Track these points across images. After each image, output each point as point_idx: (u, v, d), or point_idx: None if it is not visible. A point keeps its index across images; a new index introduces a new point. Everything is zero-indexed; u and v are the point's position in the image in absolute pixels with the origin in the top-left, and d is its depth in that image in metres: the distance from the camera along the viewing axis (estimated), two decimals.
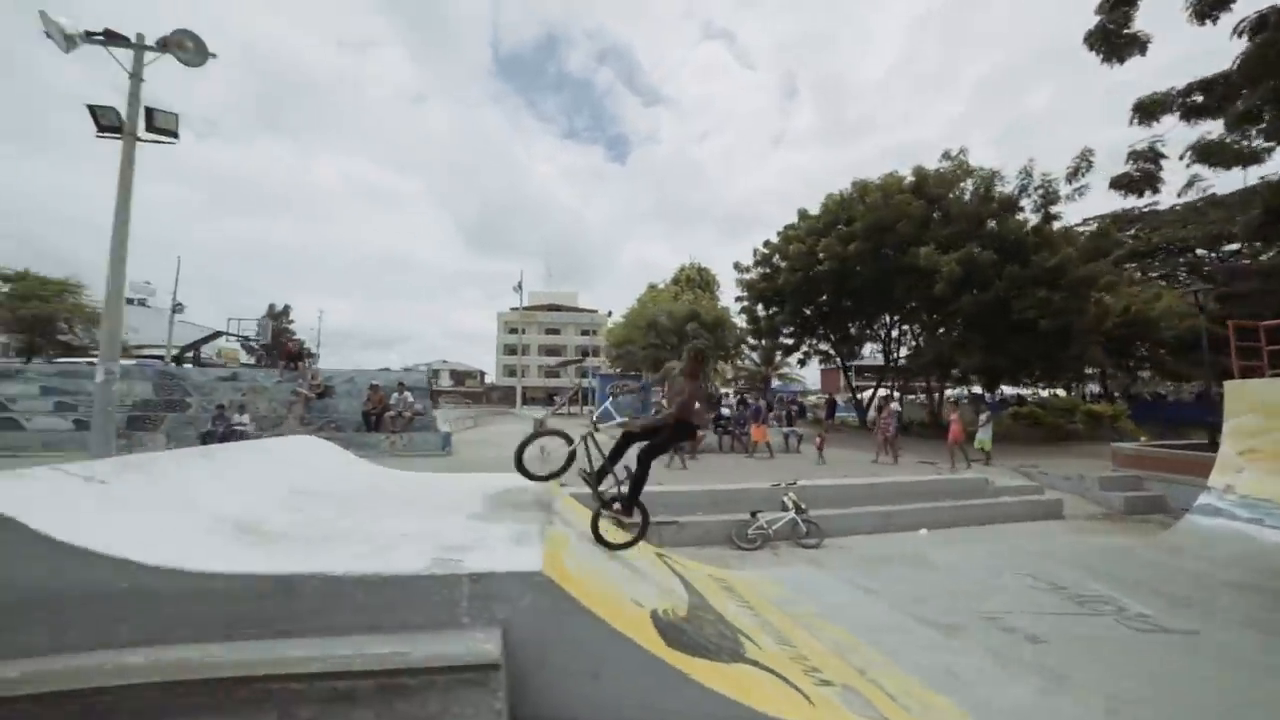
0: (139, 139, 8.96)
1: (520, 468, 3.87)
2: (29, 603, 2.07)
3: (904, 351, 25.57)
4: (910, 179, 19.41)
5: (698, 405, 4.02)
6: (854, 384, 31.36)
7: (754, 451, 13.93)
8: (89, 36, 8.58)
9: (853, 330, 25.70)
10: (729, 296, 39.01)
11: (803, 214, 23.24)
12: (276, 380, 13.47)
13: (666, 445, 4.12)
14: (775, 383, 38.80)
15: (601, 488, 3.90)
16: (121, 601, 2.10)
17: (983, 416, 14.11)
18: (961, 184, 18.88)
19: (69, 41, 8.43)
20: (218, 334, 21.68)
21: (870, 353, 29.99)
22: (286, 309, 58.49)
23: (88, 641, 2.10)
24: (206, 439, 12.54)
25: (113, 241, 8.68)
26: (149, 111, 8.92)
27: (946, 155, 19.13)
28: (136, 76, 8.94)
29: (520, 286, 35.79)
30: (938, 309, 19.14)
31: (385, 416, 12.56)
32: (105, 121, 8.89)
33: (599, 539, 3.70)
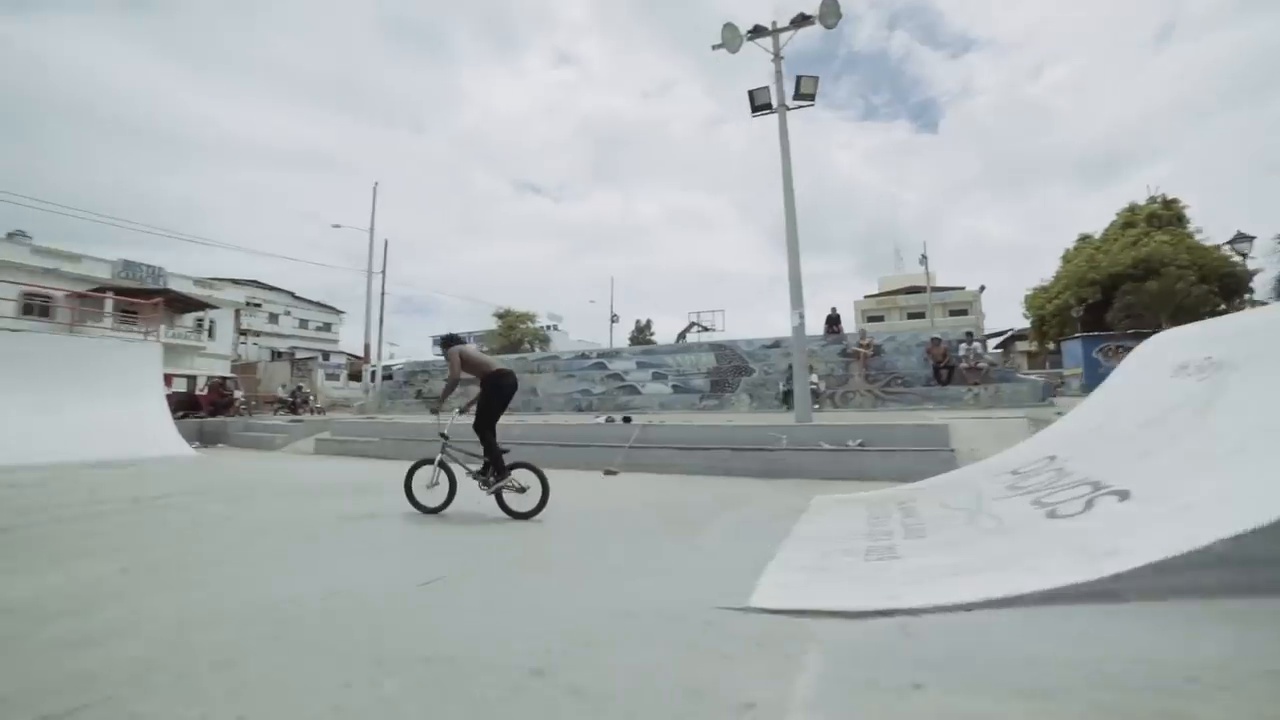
0: (788, 108, 9.81)
1: None
2: None
3: None
4: None
5: None
6: None
7: None
8: (751, 35, 9.83)
9: None
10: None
11: None
12: (822, 344, 14.15)
13: None
14: None
15: None
16: None
17: None
18: None
19: (736, 44, 9.82)
20: (692, 325, 24.86)
21: None
22: (649, 322, 69.55)
23: None
24: (787, 398, 13.70)
25: (785, 200, 9.59)
26: (797, 80, 9.68)
27: None
28: (779, 58, 9.83)
29: (898, 256, 32.71)
30: None
31: (959, 369, 11.94)
32: (759, 101, 10.01)
33: None
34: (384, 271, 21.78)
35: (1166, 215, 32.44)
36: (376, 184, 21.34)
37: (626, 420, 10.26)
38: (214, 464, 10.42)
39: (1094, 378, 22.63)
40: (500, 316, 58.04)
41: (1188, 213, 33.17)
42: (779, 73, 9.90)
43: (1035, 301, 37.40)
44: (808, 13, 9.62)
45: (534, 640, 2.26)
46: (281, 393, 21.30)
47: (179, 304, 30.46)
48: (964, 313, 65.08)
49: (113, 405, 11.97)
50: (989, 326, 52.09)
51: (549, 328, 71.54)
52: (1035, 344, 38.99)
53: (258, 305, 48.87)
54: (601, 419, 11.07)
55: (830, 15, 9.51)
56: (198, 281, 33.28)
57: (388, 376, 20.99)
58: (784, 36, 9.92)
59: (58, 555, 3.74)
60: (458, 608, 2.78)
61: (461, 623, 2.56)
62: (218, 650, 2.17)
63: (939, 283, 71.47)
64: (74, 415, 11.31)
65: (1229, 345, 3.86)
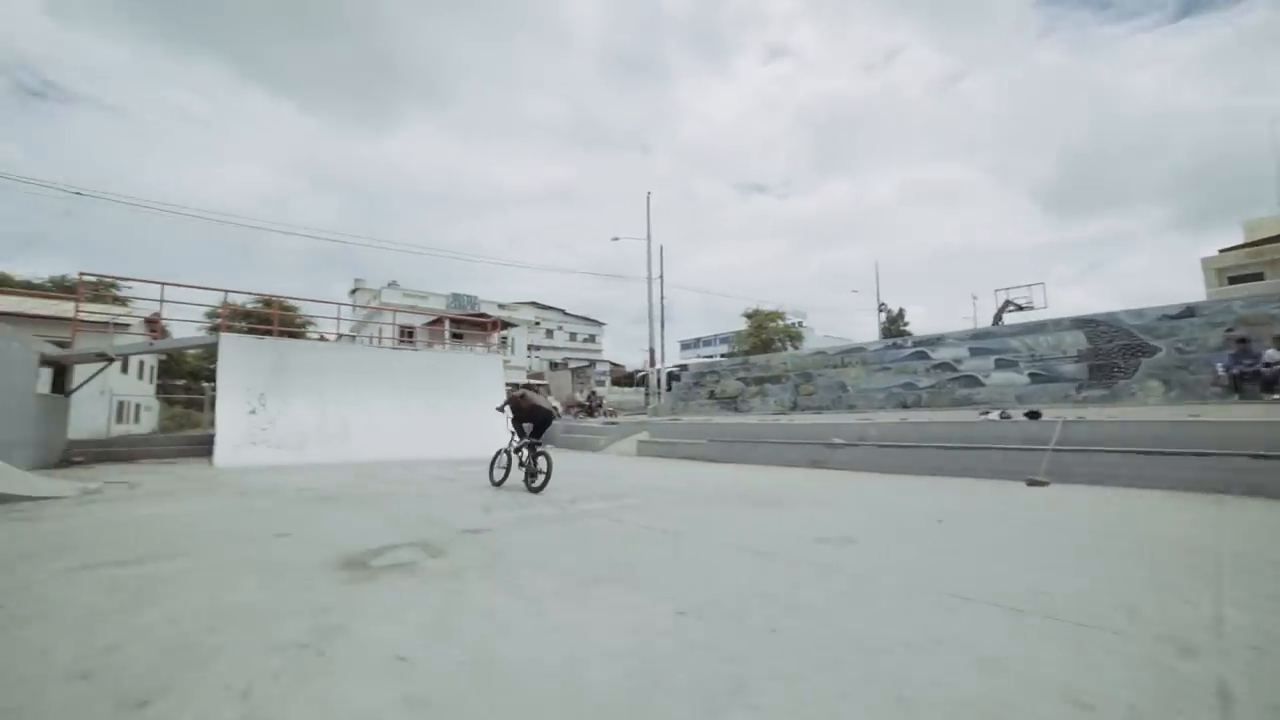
0: None
1: None
2: None
3: None
4: None
5: None
6: None
7: None
8: None
9: None
10: None
11: None
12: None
13: None
14: None
15: None
16: None
17: None
18: None
19: None
20: (1007, 304, 20.55)
21: None
22: (901, 312, 62.16)
23: None
24: (1237, 383, 9.63)
25: None
26: None
27: None
28: None
29: None
30: None
31: None
32: None
33: None
34: (661, 276, 22.27)
35: None
36: (649, 194, 21.88)
37: (1032, 416, 7.87)
38: (572, 465, 10.90)
39: None
40: (749, 316, 57.49)
41: None
42: None
43: None
44: None
45: None
46: (579, 398, 23.21)
47: (491, 325, 36.09)
48: None
49: (470, 409, 13.69)
50: None
51: (796, 324, 69.07)
52: None
53: (538, 323, 56.30)
54: (991, 415, 8.81)
55: None
56: (500, 305, 39.07)
57: (673, 379, 21.36)
58: None
59: None
60: None
61: None
62: None
63: None
64: (443, 416, 13.13)
65: None
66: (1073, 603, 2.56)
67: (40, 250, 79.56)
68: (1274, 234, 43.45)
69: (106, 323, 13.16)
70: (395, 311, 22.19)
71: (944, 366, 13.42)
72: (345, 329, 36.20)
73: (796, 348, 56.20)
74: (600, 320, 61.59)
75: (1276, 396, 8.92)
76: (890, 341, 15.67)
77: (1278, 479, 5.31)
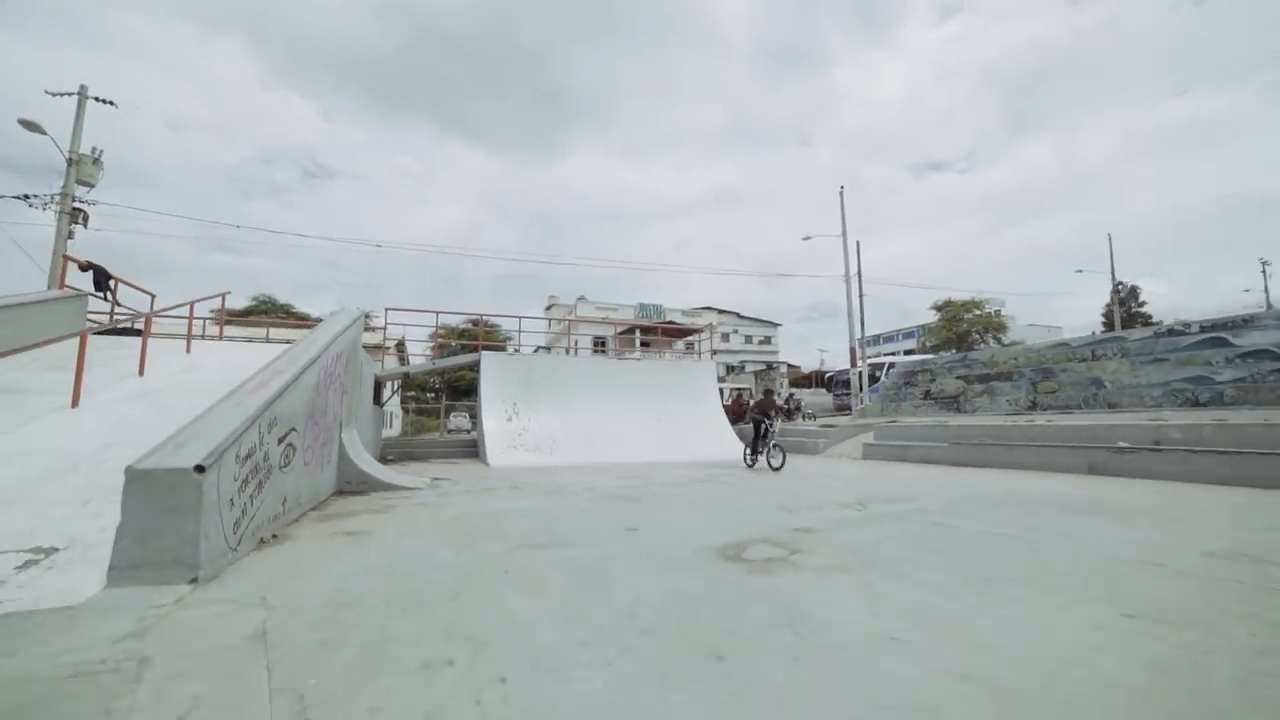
0: None
1: None
2: None
3: None
4: None
5: None
6: None
7: None
8: None
9: None
10: None
11: None
12: None
13: None
14: None
15: None
16: None
17: None
18: None
19: None
20: None
21: None
22: (1135, 288, 52.32)
23: None
24: None
25: None
26: None
27: None
28: None
29: None
30: None
31: None
32: None
33: None
34: (859, 273, 21.22)
35: None
36: (842, 188, 20.99)
37: None
38: (807, 470, 10.92)
39: None
40: (939, 308, 52.29)
41: None
42: None
43: None
44: None
45: None
46: (778, 400, 23.06)
47: (678, 332, 37.32)
48: None
49: (691, 414, 14.33)
50: None
51: (995, 312, 61.21)
52: None
53: (715, 327, 57.05)
54: None
55: None
56: (685, 312, 40.23)
57: (873, 379, 20.26)
58: None
59: None
60: None
61: None
62: None
63: None
64: (669, 422, 13.89)
65: None
66: None
67: (313, 291, 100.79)
68: None
69: (384, 346, 16.14)
70: (617, 324, 23.94)
71: (1263, 354, 10.86)
72: (541, 340, 40.19)
73: (1000, 339, 49.75)
74: (775, 322, 60.42)
75: None
76: (1164, 327, 13.10)
77: None
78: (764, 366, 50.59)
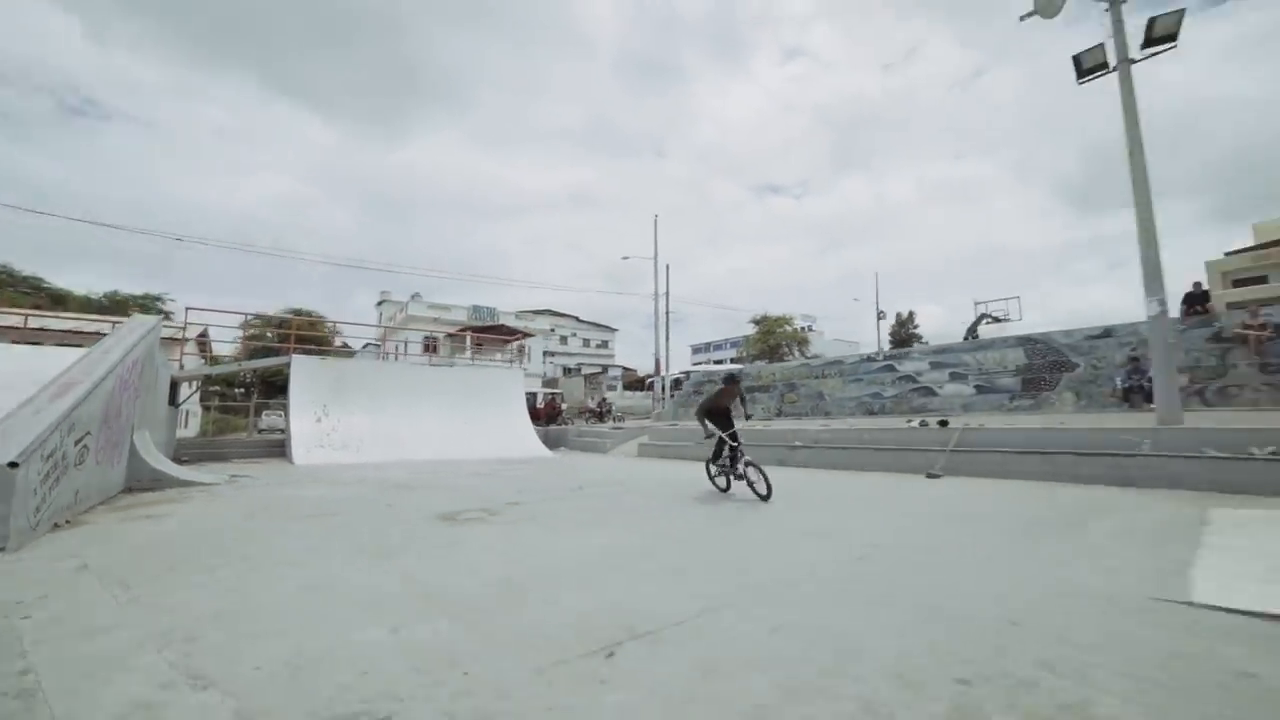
0: (1133, 61, 8.50)
1: None
2: None
3: None
4: None
5: None
6: None
7: None
8: None
9: None
10: None
11: None
12: (1182, 329, 11.57)
13: None
14: None
15: None
16: None
17: None
18: None
19: (1053, 9, 8.87)
20: (982, 318, 22.48)
21: None
22: (911, 314, 63.06)
23: None
24: (1128, 395, 11.65)
25: (1133, 174, 8.34)
26: (1149, 21, 8.28)
27: None
28: (1118, 2, 8.58)
29: None
30: None
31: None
32: (1089, 64, 8.86)
33: None
34: (667, 293, 24.54)
35: None
36: (656, 216, 24.13)
37: (943, 424, 10.00)
38: (580, 464, 13.18)
39: None
40: (757, 322, 59.11)
41: None
42: (1119, 20, 8.66)
43: None
44: None
45: (1014, 601, 2.83)
46: (590, 404, 25.56)
47: (507, 334, 38.57)
48: None
49: (497, 416, 16.06)
50: None
51: (805, 328, 70.34)
52: None
53: (553, 330, 58.85)
54: (914, 422, 10.93)
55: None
56: (517, 315, 41.51)
57: (676, 386, 23.60)
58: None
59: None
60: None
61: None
62: None
63: None
64: (475, 424, 15.51)
65: None
66: (900, 538, 4.80)
67: (79, 259, 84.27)
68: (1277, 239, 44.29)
69: (181, 340, 15.58)
70: (453, 331, 24.56)
71: (907, 379, 15.52)
72: (372, 335, 38.95)
73: (804, 353, 57.83)
74: (612, 326, 63.95)
75: (1152, 407, 10.92)
76: (865, 355, 17.75)
77: (1088, 469, 7.39)
78: (599, 369, 53.67)
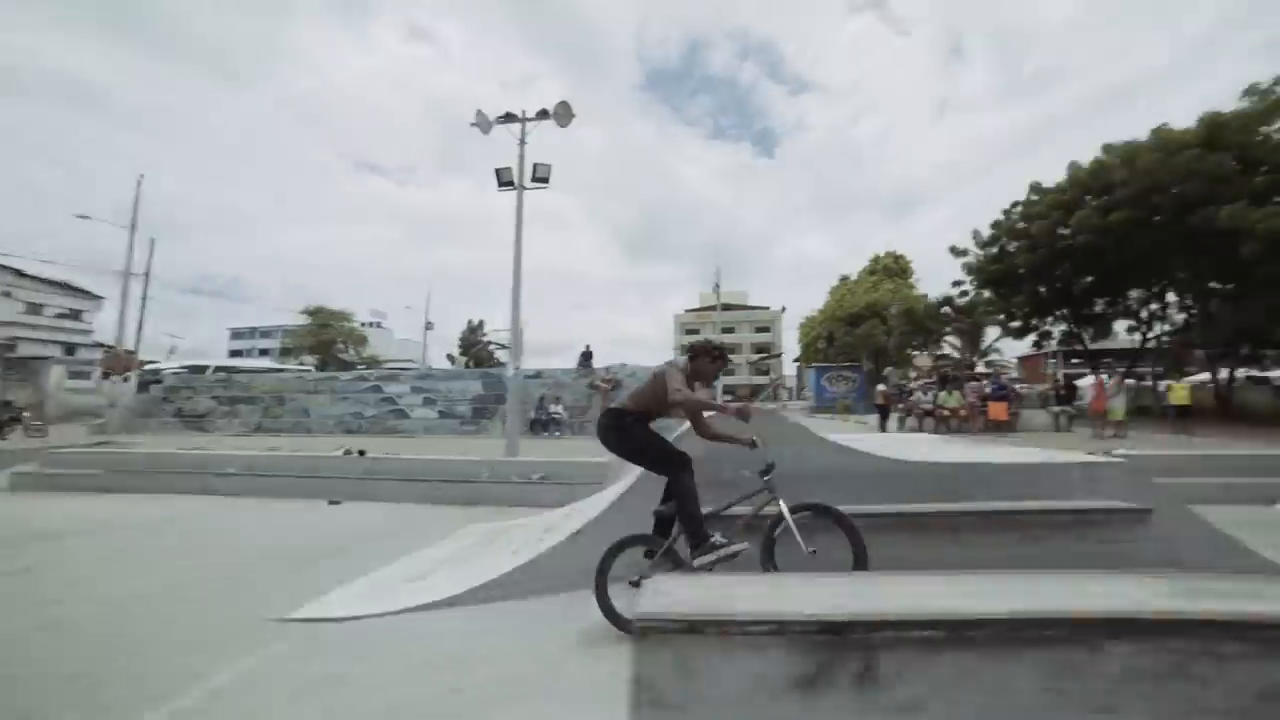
0: (525, 188, 11.65)
1: None
2: None
3: (1162, 329, 23.53)
4: (1195, 129, 17.23)
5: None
6: (1062, 371, 31.06)
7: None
8: (501, 120, 11.50)
9: (1099, 308, 23.92)
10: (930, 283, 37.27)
11: (1035, 187, 22.05)
12: (575, 377, 16.20)
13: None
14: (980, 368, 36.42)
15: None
16: None
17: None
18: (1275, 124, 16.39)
19: (487, 126, 11.41)
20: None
21: (1117, 332, 27.73)
22: (481, 323, 66.36)
23: None
24: (534, 426, 15.50)
25: (514, 264, 11.37)
26: (534, 166, 11.50)
27: (1253, 90, 16.73)
28: (523, 143, 11.64)
29: (716, 286, 37.27)
30: (1233, 275, 16.96)
31: None
32: (504, 179, 11.71)
33: None
34: (148, 274, 19.79)
35: (895, 268, 40.83)
36: (142, 177, 19.32)
37: (361, 454, 11.19)
38: None
39: (822, 400, 27.97)
40: (310, 314, 53.34)
41: (912, 266, 42.06)
42: (522, 156, 11.64)
43: (806, 328, 44.65)
44: (558, 110, 11.54)
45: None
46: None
47: None
48: (767, 330, 74.42)
49: None
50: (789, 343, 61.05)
51: (370, 324, 66.56)
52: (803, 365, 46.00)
53: None
54: (339, 452, 11.81)
55: (564, 117, 11.52)
56: None
57: (148, 384, 18.86)
58: (530, 126, 11.72)
59: None
60: None
61: None
62: None
63: (755, 300, 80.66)
64: None
65: None
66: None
67: None
68: (708, 306, 65.48)
69: None
70: None
71: (388, 400, 16.78)
72: None
73: (360, 352, 55.15)
74: (95, 292, 46.04)
75: (553, 435, 14.96)
76: (358, 374, 18.37)
77: (450, 493, 9.44)
78: (61, 348, 38.81)
